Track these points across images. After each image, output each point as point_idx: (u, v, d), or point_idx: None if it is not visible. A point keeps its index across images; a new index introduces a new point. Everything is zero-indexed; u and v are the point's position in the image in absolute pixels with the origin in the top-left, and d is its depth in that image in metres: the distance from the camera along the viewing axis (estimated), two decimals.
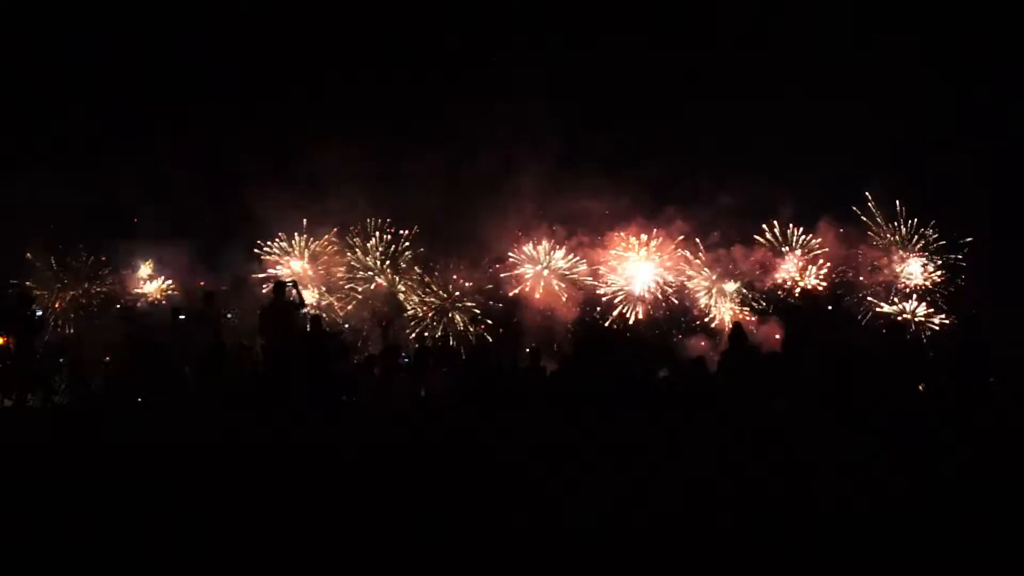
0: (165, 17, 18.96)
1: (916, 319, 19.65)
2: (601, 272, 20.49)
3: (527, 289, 20.37)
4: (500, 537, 4.29)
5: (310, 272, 19.91)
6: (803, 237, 20.40)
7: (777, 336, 17.94)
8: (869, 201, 20.09)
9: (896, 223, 20.27)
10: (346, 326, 19.48)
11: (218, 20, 19.19)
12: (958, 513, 4.68)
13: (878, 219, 20.25)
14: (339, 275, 20.30)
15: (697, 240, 20.23)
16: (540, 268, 20.46)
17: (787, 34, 18.84)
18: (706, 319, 20.14)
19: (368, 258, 20.42)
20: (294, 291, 12.25)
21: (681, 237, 20.13)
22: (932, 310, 19.90)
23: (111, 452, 6.89)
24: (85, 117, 18.36)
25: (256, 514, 4.73)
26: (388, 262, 20.42)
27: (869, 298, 20.22)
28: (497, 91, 18.06)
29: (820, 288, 20.03)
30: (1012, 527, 4.41)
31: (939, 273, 20.07)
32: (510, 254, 20.47)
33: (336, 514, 4.73)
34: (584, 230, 20.46)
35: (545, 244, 20.43)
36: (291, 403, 10.68)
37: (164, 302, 19.32)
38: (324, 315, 17.61)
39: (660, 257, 20.23)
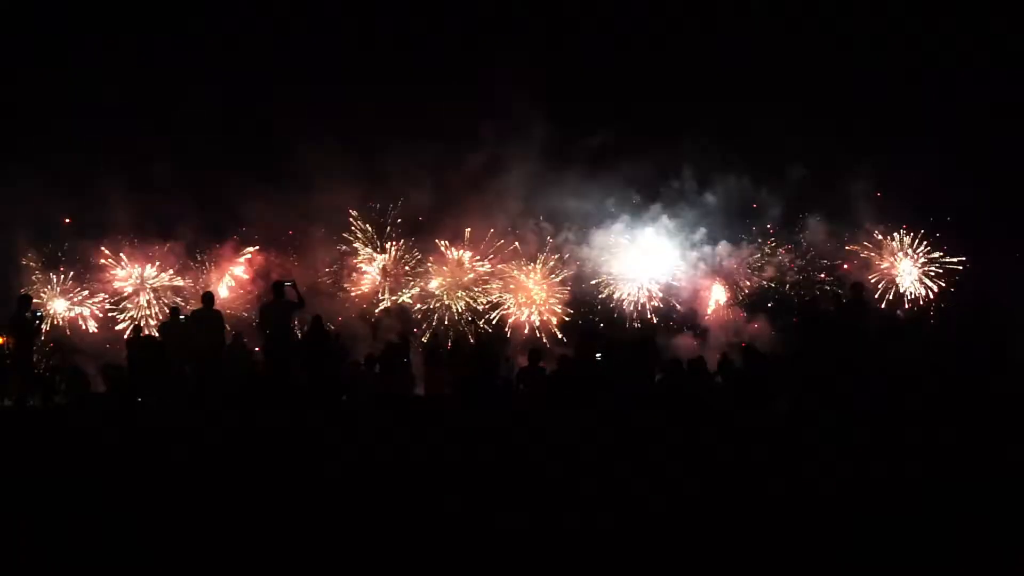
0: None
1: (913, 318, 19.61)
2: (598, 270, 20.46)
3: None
4: (499, 536, 4.30)
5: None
6: (797, 234, 20.39)
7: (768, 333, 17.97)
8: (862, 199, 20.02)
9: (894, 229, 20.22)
10: None
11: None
12: (956, 509, 4.70)
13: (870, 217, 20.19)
14: None
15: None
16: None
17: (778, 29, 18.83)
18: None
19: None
20: (292, 290, 12.22)
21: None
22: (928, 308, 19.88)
23: (111, 452, 6.90)
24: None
25: (255, 513, 4.74)
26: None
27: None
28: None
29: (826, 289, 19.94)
30: (1010, 523, 4.42)
31: (935, 271, 20.03)
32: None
33: (336, 513, 4.75)
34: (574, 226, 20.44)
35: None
36: (290, 403, 10.67)
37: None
38: None
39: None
